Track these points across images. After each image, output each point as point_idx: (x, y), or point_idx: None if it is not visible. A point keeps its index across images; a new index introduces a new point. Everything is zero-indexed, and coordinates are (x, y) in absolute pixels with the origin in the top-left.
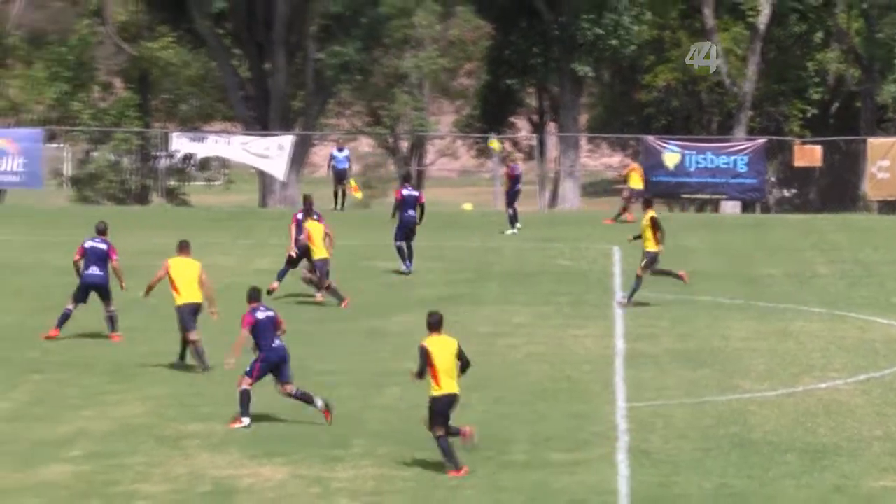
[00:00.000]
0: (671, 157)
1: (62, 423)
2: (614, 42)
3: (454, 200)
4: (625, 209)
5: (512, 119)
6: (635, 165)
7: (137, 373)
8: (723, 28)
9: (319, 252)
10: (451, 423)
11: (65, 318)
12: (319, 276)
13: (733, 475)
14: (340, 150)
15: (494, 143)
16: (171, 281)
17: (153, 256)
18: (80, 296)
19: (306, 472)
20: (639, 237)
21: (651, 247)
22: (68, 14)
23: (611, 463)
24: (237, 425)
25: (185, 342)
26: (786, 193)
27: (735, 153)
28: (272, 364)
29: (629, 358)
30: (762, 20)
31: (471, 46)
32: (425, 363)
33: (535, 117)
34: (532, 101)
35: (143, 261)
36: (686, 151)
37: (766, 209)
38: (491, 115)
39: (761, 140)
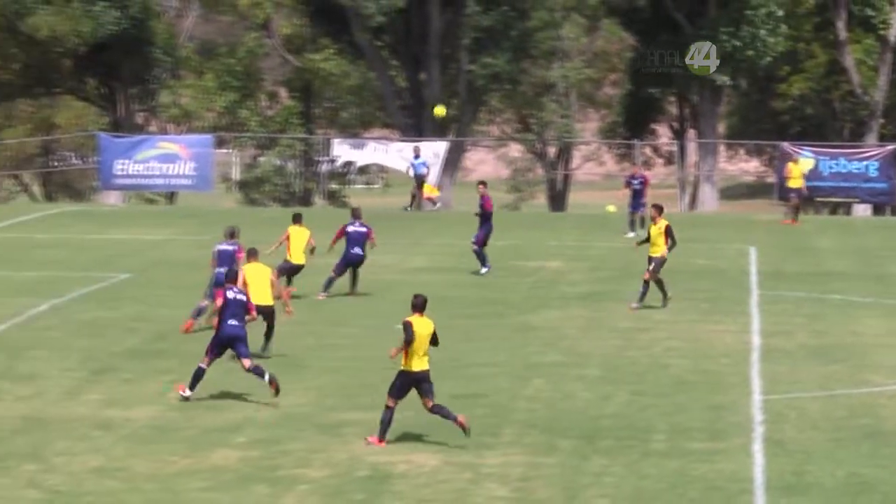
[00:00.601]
0: (805, 162)
1: (229, 411)
2: (751, 53)
3: (599, 203)
4: (796, 209)
5: (653, 126)
6: (795, 165)
7: (300, 364)
8: (854, 41)
9: (297, 258)
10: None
11: (199, 312)
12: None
13: (864, 465)
14: (417, 157)
15: (440, 110)
16: (245, 285)
17: (317, 255)
18: (212, 292)
19: (458, 459)
20: (645, 242)
21: (657, 252)
22: (237, 27)
23: (747, 452)
24: (180, 392)
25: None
26: None
27: (866, 159)
28: (223, 340)
29: (765, 352)
30: (893, 33)
31: (615, 57)
32: (411, 337)
33: (676, 124)
34: (673, 109)
35: (307, 259)
36: (819, 157)
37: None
38: (634, 122)
39: (891, 146)
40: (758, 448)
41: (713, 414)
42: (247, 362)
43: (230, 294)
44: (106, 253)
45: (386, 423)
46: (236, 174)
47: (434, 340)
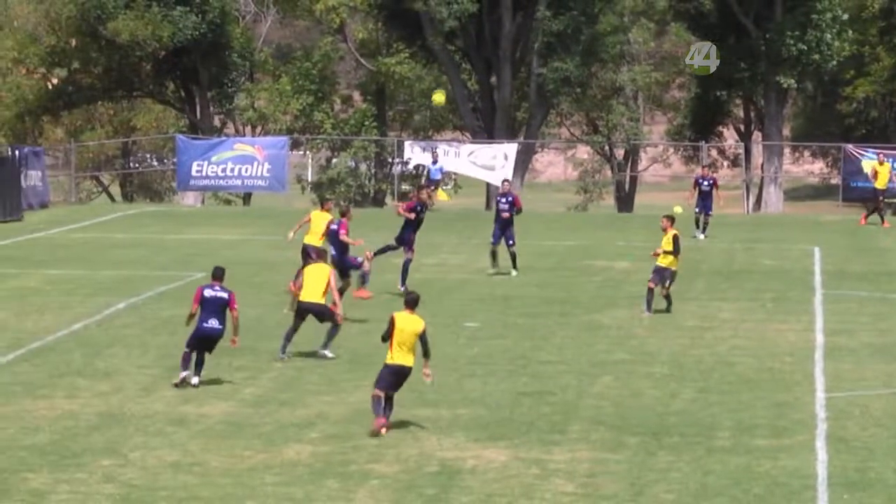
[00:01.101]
0: (869, 164)
1: (303, 408)
2: (817, 57)
3: (666, 204)
4: (879, 211)
5: (720, 128)
6: (881, 166)
7: (372, 361)
8: None
9: (313, 240)
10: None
11: (363, 278)
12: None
13: None
14: (434, 162)
15: (439, 98)
16: (303, 282)
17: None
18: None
19: (526, 455)
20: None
21: (668, 263)
22: (313, 32)
23: (810, 449)
24: (177, 380)
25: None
26: None
27: None
28: (199, 337)
29: (829, 351)
30: None
31: (682, 61)
32: (389, 331)
33: (742, 127)
34: (739, 112)
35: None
36: (884, 159)
37: None
38: (700, 124)
39: None
40: (821, 445)
41: (777, 411)
42: (195, 379)
43: (208, 293)
44: (183, 252)
45: (377, 406)
46: (310, 175)
47: (424, 344)
